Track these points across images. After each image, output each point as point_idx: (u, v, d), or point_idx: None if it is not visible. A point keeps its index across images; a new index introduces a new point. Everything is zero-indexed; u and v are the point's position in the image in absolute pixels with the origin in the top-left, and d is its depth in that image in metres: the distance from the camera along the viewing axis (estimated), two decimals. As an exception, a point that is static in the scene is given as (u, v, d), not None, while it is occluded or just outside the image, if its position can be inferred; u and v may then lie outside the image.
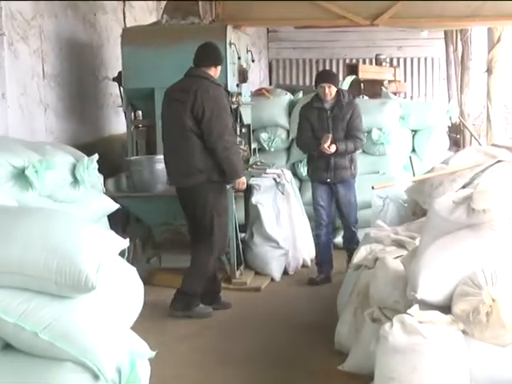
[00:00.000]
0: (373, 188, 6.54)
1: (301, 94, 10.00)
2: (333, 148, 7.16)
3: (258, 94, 9.77)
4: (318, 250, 7.61)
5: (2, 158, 4.59)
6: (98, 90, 8.79)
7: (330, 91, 7.29)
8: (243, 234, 7.70)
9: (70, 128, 7.84)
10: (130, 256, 3.70)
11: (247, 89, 8.48)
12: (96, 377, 3.09)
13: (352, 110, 7.39)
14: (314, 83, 8.01)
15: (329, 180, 7.42)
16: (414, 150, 9.87)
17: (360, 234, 6.39)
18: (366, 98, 10.70)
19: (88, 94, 8.49)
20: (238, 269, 7.34)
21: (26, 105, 6.85)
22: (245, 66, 8.10)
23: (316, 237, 7.67)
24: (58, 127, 7.54)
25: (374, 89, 11.58)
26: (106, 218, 5.73)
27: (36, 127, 7.05)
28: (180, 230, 7.21)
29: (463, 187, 5.55)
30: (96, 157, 5.19)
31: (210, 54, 6.33)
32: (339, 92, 7.42)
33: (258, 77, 14.36)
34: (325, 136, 7.18)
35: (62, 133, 7.59)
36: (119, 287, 3.34)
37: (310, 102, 7.58)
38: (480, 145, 9.29)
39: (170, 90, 6.41)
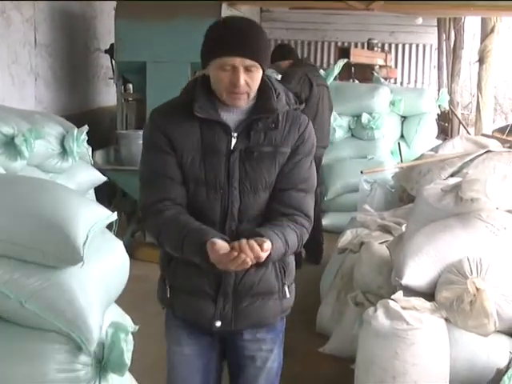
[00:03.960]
0: (362, 172, 6.54)
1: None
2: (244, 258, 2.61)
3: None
4: None
5: (-9, 126, 4.56)
6: (89, 61, 8.74)
7: (247, 79, 2.73)
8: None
9: (60, 98, 7.80)
10: (115, 230, 3.71)
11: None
12: (79, 348, 3.08)
13: (299, 134, 2.88)
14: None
15: (218, 325, 2.92)
16: (402, 136, 9.88)
17: (346, 218, 6.40)
18: (356, 81, 10.68)
19: (79, 65, 8.44)
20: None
21: (16, 73, 6.81)
22: (238, 44, 8.06)
23: None
24: (47, 97, 7.50)
25: (364, 73, 11.56)
26: (93, 191, 5.72)
27: (26, 96, 7.01)
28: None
29: (452, 175, 5.56)
30: (86, 128, 5.18)
31: None
32: (268, 85, 2.87)
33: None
34: (239, 244, 2.61)
35: (51, 103, 7.55)
36: (106, 260, 3.32)
37: (178, 106, 2.88)
38: (469, 134, 9.29)
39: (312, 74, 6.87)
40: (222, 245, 2.59)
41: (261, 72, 2.77)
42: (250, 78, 2.73)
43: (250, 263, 2.57)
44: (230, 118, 2.84)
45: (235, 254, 2.54)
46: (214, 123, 2.81)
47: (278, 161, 2.84)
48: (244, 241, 2.57)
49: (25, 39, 6.99)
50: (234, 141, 2.82)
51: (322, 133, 7.15)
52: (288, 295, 3.07)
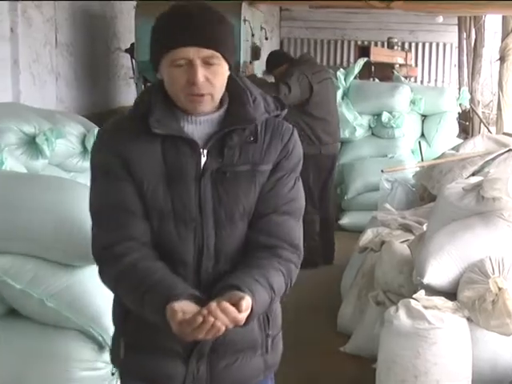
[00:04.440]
0: (382, 171, 6.51)
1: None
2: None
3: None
4: None
5: (13, 125, 4.60)
6: (109, 60, 8.76)
7: (207, 75, 2.18)
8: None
9: (81, 98, 7.83)
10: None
11: (260, 67, 8.44)
12: (100, 346, 3.10)
13: (281, 147, 2.33)
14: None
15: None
16: (422, 135, 9.84)
17: (366, 217, 6.37)
18: (376, 80, 10.65)
19: (99, 65, 8.47)
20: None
21: (37, 73, 6.83)
22: (258, 43, 8.06)
23: None
24: (68, 96, 7.52)
25: (384, 72, 11.50)
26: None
27: (47, 95, 7.03)
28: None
29: (473, 174, 5.53)
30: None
31: None
32: (240, 87, 2.32)
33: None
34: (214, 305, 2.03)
35: (72, 102, 7.58)
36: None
37: (133, 120, 2.28)
38: (490, 133, 9.25)
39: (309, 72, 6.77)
40: (186, 309, 2.03)
41: (225, 66, 2.22)
42: (212, 74, 2.18)
43: (224, 328, 2.01)
44: (197, 131, 2.26)
45: (199, 319, 1.97)
46: (177, 139, 2.22)
47: (257, 182, 2.27)
48: (213, 304, 1.99)
49: (46, 39, 7.01)
50: (203, 160, 2.24)
51: (334, 128, 7.09)
52: (273, 349, 2.45)
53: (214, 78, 2.18)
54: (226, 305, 1.99)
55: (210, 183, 2.23)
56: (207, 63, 2.16)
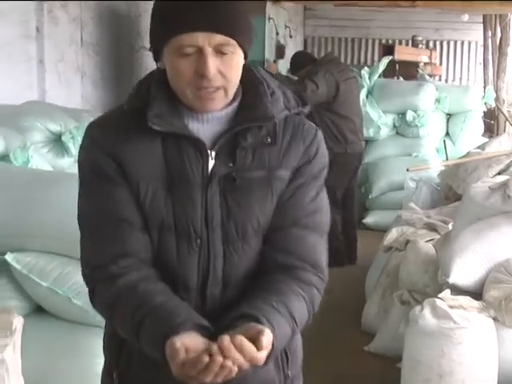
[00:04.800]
0: (408, 170, 6.48)
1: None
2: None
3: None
4: None
5: (39, 123, 4.62)
6: (134, 60, 8.79)
7: (220, 66, 1.82)
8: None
9: (106, 97, 7.85)
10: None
11: (284, 65, 8.44)
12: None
13: (303, 149, 1.98)
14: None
15: None
16: (447, 134, 9.80)
17: (391, 216, 6.35)
18: (401, 79, 10.62)
19: (124, 64, 8.50)
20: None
21: (63, 71, 6.86)
22: (282, 41, 8.06)
23: None
24: (93, 95, 7.55)
25: (409, 70, 11.47)
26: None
27: (72, 94, 7.06)
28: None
29: (499, 173, 5.50)
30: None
31: None
32: (257, 78, 1.96)
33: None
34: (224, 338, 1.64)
35: (97, 101, 7.61)
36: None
37: (127, 115, 1.94)
38: (516, 132, 9.20)
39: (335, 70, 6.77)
40: (190, 345, 1.64)
41: (241, 56, 1.85)
42: (225, 65, 1.81)
43: (237, 370, 1.62)
44: (204, 129, 1.91)
45: (206, 359, 1.59)
46: (181, 138, 1.87)
47: (274, 190, 1.91)
48: (226, 339, 1.60)
49: (71, 38, 7.04)
50: (211, 163, 1.88)
51: (359, 127, 7.12)
52: None
53: (227, 69, 1.82)
54: (243, 341, 1.61)
55: (219, 191, 1.88)
56: (220, 52, 1.80)
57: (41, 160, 4.41)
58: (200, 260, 1.87)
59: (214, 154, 1.88)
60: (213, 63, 1.78)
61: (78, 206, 1.97)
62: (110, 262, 1.85)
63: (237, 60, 1.83)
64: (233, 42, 1.79)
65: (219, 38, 1.78)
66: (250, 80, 1.93)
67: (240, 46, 1.82)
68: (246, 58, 1.87)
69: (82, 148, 1.96)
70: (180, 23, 1.79)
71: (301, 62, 7.07)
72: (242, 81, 1.90)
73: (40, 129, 4.60)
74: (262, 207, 1.89)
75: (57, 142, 4.67)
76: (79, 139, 4.71)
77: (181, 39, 1.79)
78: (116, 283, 1.83)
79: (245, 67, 1.89)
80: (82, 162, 1.96)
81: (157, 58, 1.94)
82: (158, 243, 1.88)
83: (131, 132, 1.89)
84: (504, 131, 11.30)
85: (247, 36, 1.83)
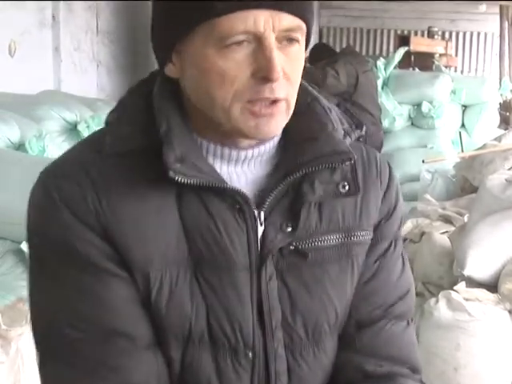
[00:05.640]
0: (423, 162, 6.45)
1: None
2: None
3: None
4: None
5: (54, 112, 4.63)
6: (149, 49, 8.72)
7: (284, 64, 1.17)
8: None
9: (122, 86, 7.85)
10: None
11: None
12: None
13: (381, 194, 1.39)
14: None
15: None
16: (463, 126, 9.76)
17: (406, 208, 6.33)
18: (416, 70, 10.58)
19: (140, 53, 8.49)
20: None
21: (78, 60, 6.87)
22: (298, 32, 8.05)
23: None
24: (109, 84, 7.56)
25: (424, 62, 11.43)
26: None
27: (87, 83, 7.07)
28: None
29: (515, 166, 5.48)
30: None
31: None
32: (307, 91, 1.34)
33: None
34: None
35: (112, 90, 7.61)
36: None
37: (113, 157, 1.24)
38: (532, 124, 9.15)
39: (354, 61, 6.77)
40: None
41: (304, 51, 1.23)
42: (291, 62, 1.18)
43: None
44: (238, 175, 1.26)
45: None
46: (209, 193, 1.20)
47: (355, 263, 1.33)
48: None
49: (87, 26, 7.05)
50: (259, 230, 1.24)
51: (378, 118, 7.15)
52: None
53: (294, 69, 1.20)
54: None
55: (276, 275, 1.25)
56: (287, 41, 1.17)
57: (56, 149, 4.42)
58: (253, 382, 1.27)
59: (262, 215, 1.24)
60: (279, 60, 1.15)
61: (32, 305, 1.27)
62: None
63: (302, 55, 1.22)
64: (303, 25, 1.19)
65: (289, 20, 1.15)
66: (300, 95, 1.27)
67: (307, 33, 1.22)
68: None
69: (40, 214, 1.21)
70: None
71: (320, 53, 7.07)
72: None
73: (55, 118, 4.61)
74: (340, 291, 1.31)
75: (72, 131, 4.68)
76: (95, 128, 4.72)
77: (225, 22, 1.13)
78: None
79: None
80: (41, 238, 1.21)
81: (164, 61, 1.32)
82: (182, 363, 1.24)
83: (125, 186, 1.20)
84: (520, 123, 11.25)
85: (313, 21, 1.21)
